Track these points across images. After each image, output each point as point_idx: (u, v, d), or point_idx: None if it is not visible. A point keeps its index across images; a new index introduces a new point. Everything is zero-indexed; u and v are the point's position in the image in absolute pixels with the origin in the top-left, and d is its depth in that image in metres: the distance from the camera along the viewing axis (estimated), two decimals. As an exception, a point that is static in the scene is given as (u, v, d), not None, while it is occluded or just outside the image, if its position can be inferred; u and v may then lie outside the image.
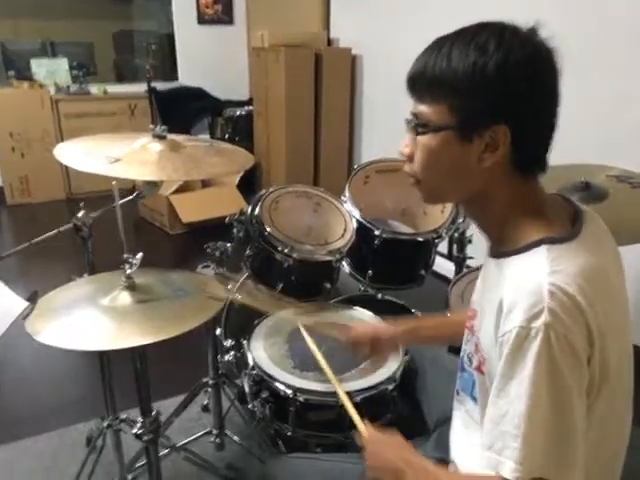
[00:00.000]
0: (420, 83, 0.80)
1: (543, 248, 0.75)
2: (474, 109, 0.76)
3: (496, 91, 0.74)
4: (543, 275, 0.71)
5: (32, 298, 0.99)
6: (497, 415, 0.73)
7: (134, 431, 1.23)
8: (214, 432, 1.79)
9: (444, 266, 2.37)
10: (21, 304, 0.97)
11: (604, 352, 0.73)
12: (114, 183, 1.11)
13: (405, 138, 0.85)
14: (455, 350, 1.42)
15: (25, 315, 0.95)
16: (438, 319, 1.26)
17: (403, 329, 1.21)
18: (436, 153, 0.80)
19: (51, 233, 1.39)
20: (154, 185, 1.39)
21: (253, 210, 1.59)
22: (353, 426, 1.22)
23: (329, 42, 4.05)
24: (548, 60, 0.76)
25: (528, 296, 0.70)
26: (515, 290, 0.73)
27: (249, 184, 4.11)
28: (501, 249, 0.82)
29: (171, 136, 1.35)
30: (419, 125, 0.81)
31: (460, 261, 1.96)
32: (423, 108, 0.80)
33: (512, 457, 0.70)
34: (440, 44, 0.78)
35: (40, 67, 4.67)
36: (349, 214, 1.70)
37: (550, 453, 0.70)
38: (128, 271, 1.10)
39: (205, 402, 2.02)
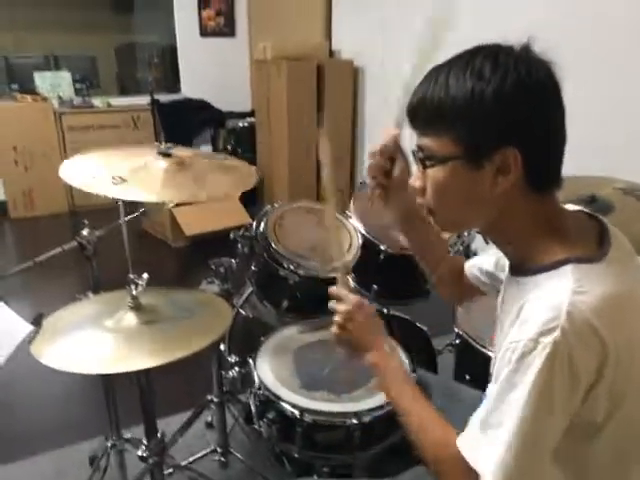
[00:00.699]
0: (420, 116, 0.80)
1: (568, 267, 0.73)
2: (478, 136, 0.75)
3: (497, 116, 0.73)
4: (566, 294, 0.70)
5: (37, 321, 0.97)
6: (483, 419, 0.75)
7: (139, 453, 1.22)
8: (219, 450, 1.77)
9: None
10: (26, 327, 0.96)
11: (618, 383, 0.71)
12: (120, 204, 1.10)
13: (414, 170, 0.85)
14: (460, 376, 1.41)
15: (30, 339, 0.94)
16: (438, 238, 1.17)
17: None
18: (446, 184, 0.79)
19: (55, 252, 1.39)
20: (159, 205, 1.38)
21: (258, 226, 1.58)
22: (362, 448, 1.21)
23: (331, 53, 4.07)
24: (546, 76, 0.75)
25: (546, 311, 0.69)
26: (536, 302, 0.72)
27: (251, 196, 4.10)
28: (524, 267, 0.81)
29: (176, 151, 1.35)
30: (425, 158, 0.80)
31: (466, 275, 1.94)
32: (427, 141, 0.79)
33: (491, 461, 0.72)
34: (436, 73, 0.77)
35: (43, 80, 4.69)
36: (354, 229, 1.69)
37: (522, 466, 0.71)
38: (133, 292, 1.09)
39: (209, 419, 2.00)
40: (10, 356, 0.90)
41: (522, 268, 0.81)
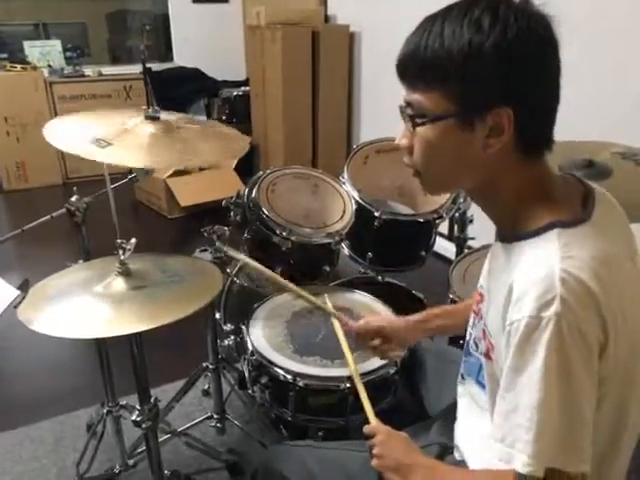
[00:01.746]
0: (411, 68, 0.75)
1: (554, 232, 0.71)
2: (473, 93, 0.71)
3: (496, 71, 0.69)
4: (555, 261, 0.68)
5: (23, 287, 0.96)
6: (507, 408, 0.71)
7: (132, 418, 1.22)
8: (215, 417, 1.79)
9: (445, 247, 2.35)
10: (12, 293, 0.94)
11: (619, 340, 0.70)
12: (105, 167, 1.07)
13: (401, 128, 0.80)
14: (455, 341, 1.42)
15: (16, 304, 0.93)
16: (446, 308, 1.23)
17: (411, 321, 1.18)
18: (437, 144, 0.75)
19: (44, 219, 1.37)
20: (147, 170, 1.35)
21: (250, 193, 1.56)
22: (355, 411, 1.22)
23: (326, 19, 3.97)
24: (545, 31, 0.71)
25: (539, 283, 0.67)
26: (525, 276, 0.70)
27: (247, 166, 4.07)
28: (510, 233, 0.78)
29: (164, 116, 1.32)
30: (416, 116, 0.75)
31: (461, 242, 1.93)
32: (417, 96, 0.75)
33: (525, 450, 0.68)
34: (430, 23, 0.72)
35: (33, 49, 4.60)
36: (348, 195, 1.67)
37: (562, 445, 0.68)
38: (122, 257, 1.07)
39: (205, 387, 2.02)
40: (4, 328, 0.89)
41: (509, 234, 0.79)
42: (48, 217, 1.37)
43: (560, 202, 0.76)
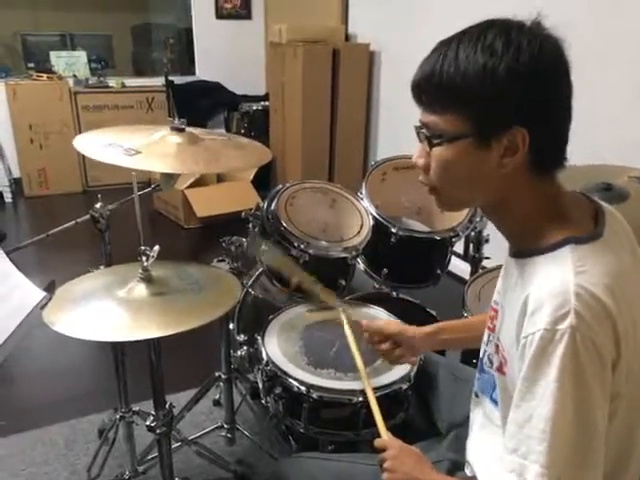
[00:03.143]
0: (427, 92, 0.77)
1: (568, 248, 0.73)
2: (489, 115, 0.73)
3: (510, 94, 0.71)
4: (569, 276, 0.69)
5: (49, 288, 0.98)
6: (521, 419, 0.72)
7: (147, 423, 1.24)
8: (225, 426, 1.80)
9: (459, 267, 2.35)
10: (38, 294, 0.97)
11: (630, 356, 0.71)
12: (133, 174, 1.10)
13: (417, 147, 0.82)
14: (468, 360, 1.42)
15: (42, 305, 0.95)
16: (458, 322, 1.24)
17: (425, 331, 1.19)
18: (453, 163, 0.77)
19: (68, 224, 1.40)
20: (171, 178, 1.38)
21: (269, 205, 1.58)
22: (367, 425, 1.22)
23: (347, 37, 4.03)
24: (557, 53, 0.73)
25: (554, 297, 0.69)
26: (540, 291, 0.71)
27: (264, 180, 4.11)
28: (523, 249, 0.80)
29: (189, 129, 1.35)
30: (432, 137, 0.77)
31: (476, 261, 1.93)
32: (433, 118, 0.76)
33: (538, 461, 0.69)
34: (445, 47, 0.74)
35: (59, 59, 4.71)
36: (366, 211, 1.68)
37: (575, 457, 0.68)
38: (145, 263, 1.10)
39: (216, 396, 2.03)
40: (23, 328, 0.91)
41: (522, 250, 0.80)
42: (73, 223, 1.41)
43: (572, 219, 0.77)
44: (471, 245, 1.95)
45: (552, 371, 0.68)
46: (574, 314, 0.67)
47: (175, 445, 1.72)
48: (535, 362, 0.69)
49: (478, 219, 1.82)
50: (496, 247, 0.87)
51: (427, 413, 1.28)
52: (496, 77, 0.70)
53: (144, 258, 1.10)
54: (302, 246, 1.51)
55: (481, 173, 0.77)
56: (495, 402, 0.89)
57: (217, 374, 1.74)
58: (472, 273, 1.91)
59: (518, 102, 0.72)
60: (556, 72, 0.73)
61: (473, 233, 1.88)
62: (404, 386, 1.28)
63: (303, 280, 1.36)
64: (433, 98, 0.76)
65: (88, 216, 1.39)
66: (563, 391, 0.67)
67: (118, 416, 1.64)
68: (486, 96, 0.72)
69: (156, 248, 1.10)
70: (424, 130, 0.79)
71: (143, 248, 1.10)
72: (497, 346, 0.84)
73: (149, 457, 1.70)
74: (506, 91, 0.71)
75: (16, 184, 4.50)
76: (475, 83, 0.71)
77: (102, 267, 1.40)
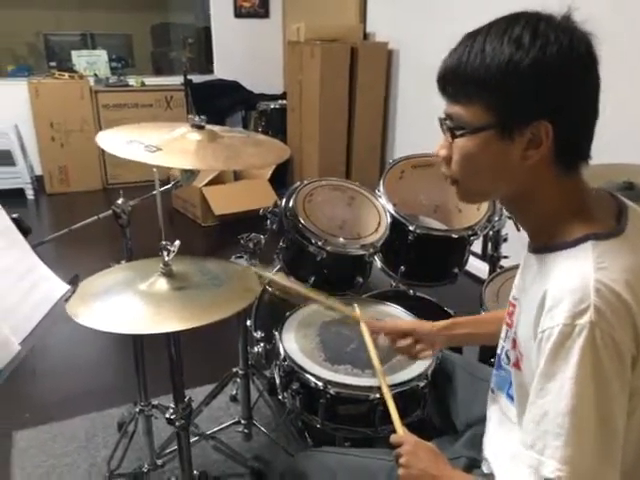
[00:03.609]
0: (453, 82, 0.77)
1: (588, 244, 0.72)
2: (513, 107, 0.73)
3: (535, 87, 0.71)
4: (589, 271, 0.69)
5: (73, 281, 1.01)
6: (538, 414, 0.71)
7: (167, 416, 1.25)
8: (242, 422, 1.81)
9: (477, 266, 2.34)
10: (63, 287, 0.99)
11: None
12: (155, 170, 1.12)
13: (440, 139, 0.82)
14: (486, 358, 1.41)
15: (67, 298, 0.97)
16: (473, 317, 1.24)
17: (441, 325, 1.20)
18: (476, 155, 0.77)
19: (91, 219, 1.43)
20: (191, 174, 1.40)
21: (287, 202, 1.59)
22: (384, 422, 1.22)
23: (365, 36, 4.03)
24: (587, 49, 0.73)
25: (573, 292, 0.68)
26: (560, 286, 0.71)
27: (281, 178, 4.13)
28: (543, 244, 0.80)
29: (209, 126, 1.37)
30: (456, 127, 0.78)
31: (495, 260, 1.92)
32: (458, 109, 0.77)
33: (554, 456, 0.69)
34: (472, 39, 0.75)
35: (80, 59, 4.79)
36: (383, 209, 1.68)
37: (592, 452, 0.68)
38: (166, 258, 1.11)
39: (234, 392, 2.04)
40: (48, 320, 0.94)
41: (542, 245, 0.80)
42: (95, 218, 1.43)
43: (595, 215, 0.77)
44: (489, 244, 1.94)
45: (570, 366, 0.68)
46: (594, 310, 0.67)
47: (193, 439, 1.73)
48: (553, 357, 0.69)
49: (497, 218, 1.81)
50: (515, 246, 0.87)
51: (444, 411, 1.28)
52: (521, 70, 0.70)
53: (165, 253, 1.11)
54: (320, 243, 1.51)
55: (504, 165, 0.77)
56: (511, 398, 0.89)
57: (234, 370, 1.76)
58: (490, 272, 1.90)
59: (543, 96, 0.72)
60: (584, 67, 0.73)
61: (491, 232, 1.87)
62: (421, 384, 1.27)
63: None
64: (458, 89, 0.77)
65: (110, 211, 1.41)
66: (581, 386, 0.67)
67: (137, 409, 1.66)
68: (511, 89, 0.72)
69: (177, 243, 1.11)
70: (448, 121, 0.79)
71: (164, 243, 1.12)
72: (514, 341, 0.84)
73: (167, 451, 1.72)
74: (531, 84, 0.71)
75: (38, 181, 4.58)
76: (500, 75, 0.71)
77: (123, 262, 1.42)
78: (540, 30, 0.71)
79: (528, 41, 0.70)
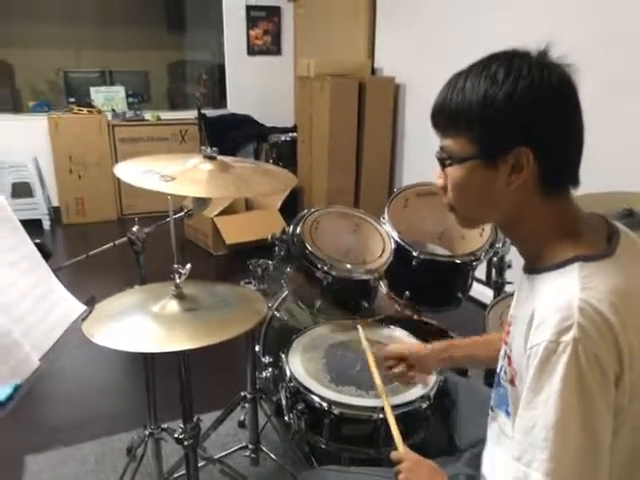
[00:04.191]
0: (441, 119, 0.84)
1: (576, 265, 0.76)
2: (493, 137, 0.79)
3: (509, 119, 0.77)
4: (574, 291, 0.73)
5: (90, 302, 1.06)
6: (525, 427, 0.74)
7: (175, 435, 1.28)
8: (250, 447, 1.83)
9: (482, 292, 2.37)
10: (80, 308, 1.05)
11: (635, 372, 0.73)
12: (169, 198, 1.19)
13: (437, 171, 0.89)
14: (490, 381, 1.43)
15: (83, 318, 1.03)
16: (469, 340, 1.27)
17: (433, 347, 1.23)
18: (464, 182, 0.84)
19: (107, 245, 1.49)
20: (203, 203, 1.47)
21: (295, 229, 1.65)
22: (387, 443, 1.24)
23: (373, 71, 4.15)
24: (558, 79, 0.78)
25: (558, 311, 0.72)
26: (546, 305, 0.75)
27: (291, 208, 4.20)
28: (534, 266, 0.84)
29: (220, 157, 1.44)
30: (445, 158, 0.85)
31: (499, 286, 1.95)
32: (447, 142, 0.84)
33: (540, 469, 0.71)
34: (455, 79, 0.82)
35: (99, 94, 4.96)
36: (388, 235, 1.73)
37: (576, 465, 0.70)
38: (177, 280, 1.17)
39: (241, 418, 2.06)
40: (54, 350, 0.99)
41: (533, 267, 0.84)
42: (111, 245, 1.49)
43: (584, 237, 0.81)
44: (494, 270, 1.98)
45: (555, 381, 0.70)
46: (577, 327, 0.70)
47: (201, 464, 1.75)
48: (539, 372, 0.72)
49: (500, 245, 1.85)
50: (519, 271, 0.91)
51: (447, 433, 1.30)
52: (496, 103, 0.77)
53: (177, 276, 1.17)
54: (326, 268, 1.56)
55: (491, 191, 0.83)
56: (509, 414, 0.92)
57: (242, 394, 1.79)
58: (494, 298, 1.93)
59: (518, 125, 0.78)
60: (558, 97, 0.78)
61: (495, 259, 1.91)
62: (424, 405, 1.30)
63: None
64: (446, 124, 0.84)
65: (125, 238, 1.48)
66: (566, 400, 0.70)
67: (147, 432, 1.69)
68: (488, 121, 0.79)
69: (188, 266, 1.17)
70: (440, 153, 0.86)
71: (176, 266, 1.17)
72: (509, 358, 0.87)
73: (176, 475, 1.74)
74: (506, 115, 0.78)
75: (54, 212, 4.70)
76: (478, 109, 0.78)
77: (136, 287, 1.48)
78: (514, 66, 0.78)
79: (502, 76, 0.77)
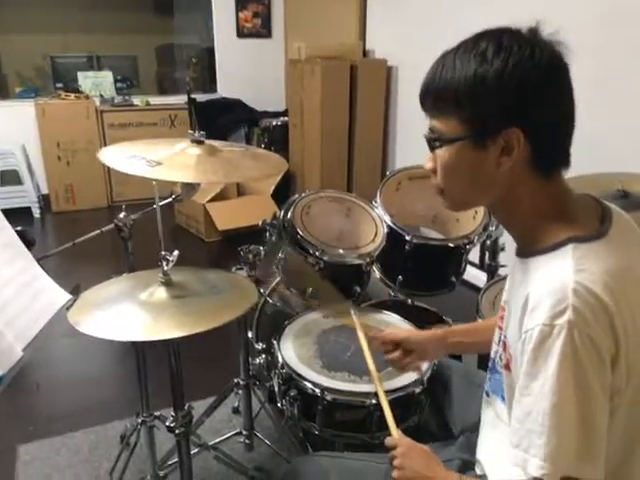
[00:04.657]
0: (429, 99, 0.82)
1: (569, 247, 0.75)
2: (482, 117, 0.77)
3: (499, 98, 0.75)
4: (568, 273, 0.71)
5: (75, 291, 1.04)
6: (523, 413, 0.73)
7: (167, 423, 1.27)
8: (244, 433, 1.82)
9: (476, 275, 2.36)
10: (64, 296, 1.02)
11: (630, 354, 0.72)
12: (154, 184, 1.16)
13: (428, 153, 0.87)
14: (485, 365, 1.43)
15: (68, 306, 1.01)
16: (468, 325, 1.26)
17: (433, 334, 1.22)
18: (453, 164, 0.82)
19: (93, 233, 1.47)
20: (191, 188, 1.44)
21: (286, 214, 1.63)
22: (381, 428, 1.24)
23: (364, 53, 4.10)
24: (550, 58, 0.75)
25: (553, 294, 0.71)
26: (540, 288, 0.73)
27: (284, 193, 4.17)
28: (528, 249, 0.82)
29: (208, 141, 1.41)
30: (434, 139, 0.82)
31: (492, 269, 1.95)
32: (435, 123, 0.82)
33: (538, 455, 0.71)
34: (444, 58, 0.80)
35: (86, 80, 4.88)
36: (380, 219, 1.71)
37: (575, 449, 0.70)
38: (165, 267, 1.15)
39: (235, 404, 2.06)
40: (47, 340, 0.96)
41: (526, 250, 0.82)
42: (98, 232, 1.47)
43: (577, 219, 0.79)
44: (487, 254, 1.97)
45: (551, 365, 0.69)
46: (572, 310, 0.69)
47: (195, 450, 1.75)
48: (534, 356, 0.71)
49: (493, 228, 1.83)
50: (512, 255, 0.89)
51: (441, 417, 1.29)
52: (486, 82, 0.75)
53: (164, 263, 1.14)
54: (317, 253, 1.54)
55: (481, 173, 0.80)
56: (504, 399, 0.91)
57: (236, 380, 1.78)
58: (488, 281, 1.92)
59: (509, 105, 0.75)
60: (549, 76, 0.76)
61: (489, 242, 1.90)
62: (417, 390, 1.29)
63: (320, 286, 1.39)
64: (433, 104, 0.82)
65: (112, 225, 1.45)
66: (562, 385, 0.69)
67: (140, 420, 1.68)
68: (478, 100, 0.76)
69: (175, 253, 1.15)
70: (429, 134, 0.83)
71: (163, 253, 1.15)
72: (505, 344, 0.86)
73: (170, 462, 1.73)
74: (496, 94, 0.75)
75: (44, 200, 4.65)
76: (468, 88, 0.76)
77: (125, 274, 1.45)
78: (504, 44, 0.75)
79: (491, 54, 0.75)
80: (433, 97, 0.81)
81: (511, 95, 0.75)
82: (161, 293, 1.14)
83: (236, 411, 2.06)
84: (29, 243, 1.03)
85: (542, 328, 0.70)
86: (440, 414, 1.30)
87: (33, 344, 0.91)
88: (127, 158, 1.30)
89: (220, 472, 1.81)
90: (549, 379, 0.70)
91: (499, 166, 0.78)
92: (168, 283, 1.16)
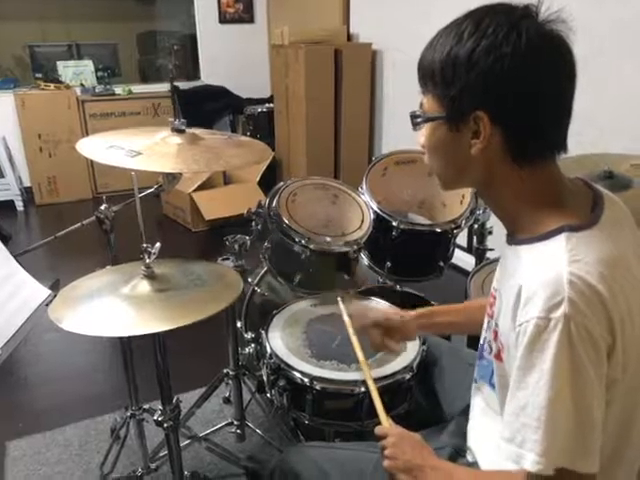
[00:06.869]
0: (419, 76, 0.82)
1: (562, 236, 0.73)
2: (454, 97, 0.76)
3: (468, 79, 0.74)
4: (563, 264, 0.70)
5: (54, 286, 1.02)
6: (517, 407, 0.72)
7: (155, 418, 1.26)
8: (235, 423, 1.82)
9: (464, 259, 2.36)
10: (44, 292, 1.00)
11: (626, 342, 0.71)
12: (133, 174, 1.13)
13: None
14: (474, 344, 1.42)
15: (48, 302, 0.98)
16: (453, 306, 1.25)
17: (416, 313, 1.21)
18: (433, 142, 0.83)
19: (75, 226, 1.44)
20: (173, 178, 1.41)
21: (271, 202, 1.60)
22: (370, 416, 1.23)
23: (349, 37, 4.05)
24: (528, 41, 0.71)
25: (547, 286, 0.69)
26: (534, 279, 0.72)
27: (270, 181, 4.14)
28: (518, 236, 0.81)
29: (190, 129, 1.38)
30: (414, 117, 0.83)
31: (480, 253, 1.94)
32: (424, 101, 0.83)
33: (533, 449, 0.69)
34: (434, 37, 0.80)
35: (66, 69, 4.78)
36: (367, 205, 1.70)
37: (571, 444, 0.69)
38: (147, 260, 1.12)
39: (227, 394, 2.05)
40: (34, 334, 0.94)
41: (517, 237, 0.81)
42: (79, 225, 1.44)
43: (569, 206, 0.77)
44: (474, 237, 1.96)
45: (547, 359, 0.68)
46: (568, 302, 0.67)
47: (186, 442, 1.74)
48: (529, 350, 0.70)
49: (481, 211, 1.82)
50: (500, 239, 0.88)
51: (432, 398, 1.28)
52: (457, 62, 0.74)
53: (146, 255, 1.12)
54: (303, 241, 1.52)
55: (457, 154, 0.80)
56: (493, 386, 0.90)
57: (225, 371, 1.76)
58: (476, 265, 1.91)
59: (477, 87, 0.74)
60: (521, 60, 0.72)
61: (476, 225, 1.89)
62: (407, 376, 1.29)
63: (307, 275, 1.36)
64: (421, 82, 0.82)
65: (93, 217, 1.42)
66: (558, 379, 0.68)
67: (129, 414, 1.67)
68: (450, 80, 0.76)
69: (157, 245, 1.12)
70: (413, 112, 0.84)
71: (145, 246, 1.12)
72: (495, 332, 0.85)
73: (161, 454, 1.72)
74: (465, 76, 0.74)
75: (27, 193, 4.57)
76: (441, 67, 0.76)
77: (108, 267, 1.43)
78: (481, 25, 0.73)
79: (467, 35, 0.73)
80: (420, 75, 0.82)
81: (478, 78, 0.73)
82: (144, 286, 1.12)
83: (227, 401, 2.06)
84: (5, 238, 1.00)
85: (537, 321, 0.69)
86: (432, 394, 1.29)
87: (12, 341, 0.89)
88: (106, 148, 1.27)
89: (212, 463, 1.81)
90: (545, 373, 0.68)
91: (470, 148, 0.78)
92: (151, 276, 1.13)
